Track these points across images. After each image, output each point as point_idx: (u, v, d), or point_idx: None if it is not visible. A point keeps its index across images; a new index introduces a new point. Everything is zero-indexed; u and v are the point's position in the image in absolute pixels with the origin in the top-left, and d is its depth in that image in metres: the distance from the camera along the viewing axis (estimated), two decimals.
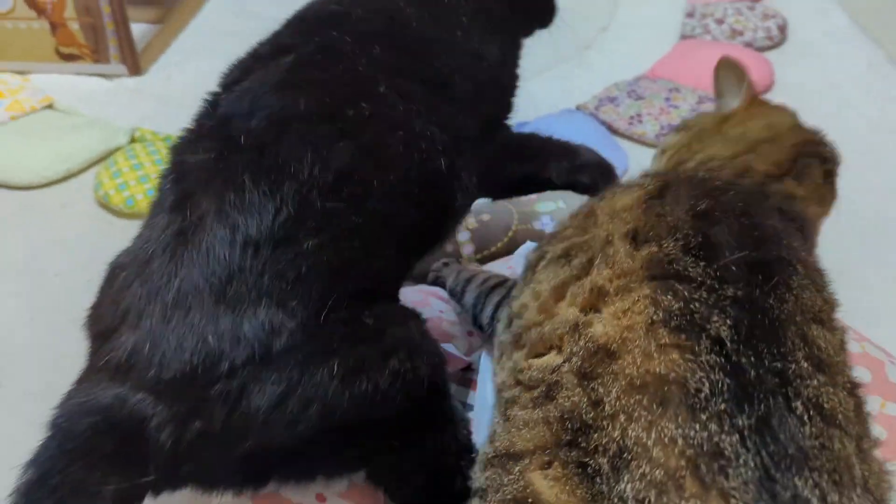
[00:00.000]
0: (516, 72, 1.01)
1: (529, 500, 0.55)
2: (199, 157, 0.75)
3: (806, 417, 0.52)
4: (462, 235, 1.24)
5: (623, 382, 0.54)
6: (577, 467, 0.54)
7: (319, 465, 0.78)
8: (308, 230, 0.71)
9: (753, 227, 0.63)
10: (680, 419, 0.51)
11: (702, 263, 0.58)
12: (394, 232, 0.79)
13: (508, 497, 0.57)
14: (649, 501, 0.49)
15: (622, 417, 0.53)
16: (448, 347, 0.98)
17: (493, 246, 1.23)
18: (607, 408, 0.54)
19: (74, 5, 1.61)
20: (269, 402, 0.69)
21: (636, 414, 0.52)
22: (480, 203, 1.34)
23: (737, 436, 0.50)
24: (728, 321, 0.55)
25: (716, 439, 0.50)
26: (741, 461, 0.49)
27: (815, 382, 0.54)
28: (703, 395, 0.52)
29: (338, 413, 0.71)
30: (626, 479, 0.50)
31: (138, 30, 1.77)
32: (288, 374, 0.69)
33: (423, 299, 1.08)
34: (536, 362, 0.62)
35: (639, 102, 1.59)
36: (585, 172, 1.01)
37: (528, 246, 1.07)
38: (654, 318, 0.56)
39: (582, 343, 0.59)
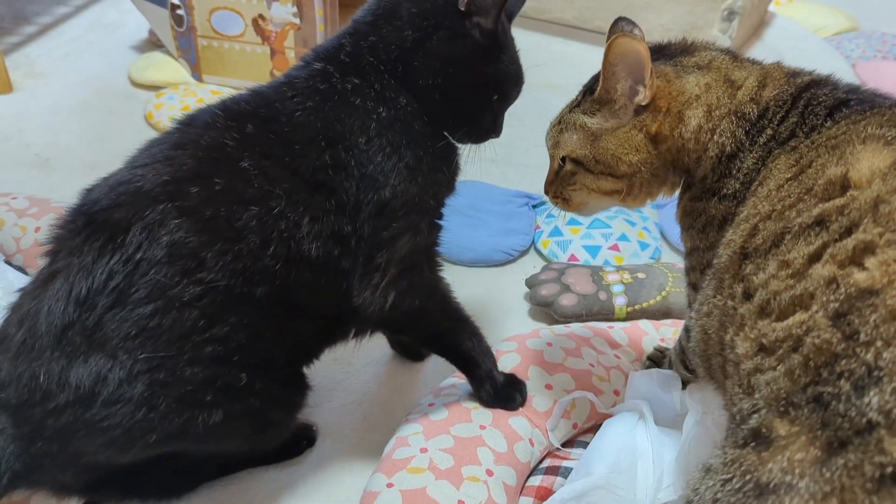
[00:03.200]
0: (433, 194, 0.94)
1: (763, 431, 0.60)
2: (67, 222, 0.84)
3: None
4: (616, 287, 1.32)
5: (883, 311, 0.57)
6: (810, 401, 0.58)
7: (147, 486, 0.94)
8: (140, 297, 0.78)
9: None
10: None
11: None
12: (248, 304, 0.83)
13: (749, 429, 0.62)
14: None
15: (878, 343, 0.56)
16: (591, 398, 1.06)
17: (646, 302, 1.31)
18: (862, 336, 0.57)
19: (295, 37, 1.83)
20: (92, 445, 0.81)
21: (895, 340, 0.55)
22: (637, 262, 1.42)
23: None
24: None
25: None
26: None
27: None
28: None
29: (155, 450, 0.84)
30: (871, 393, 0.55)
31: None
32: (109, 422, 0.78)
33: (576, 347, 1.15)
34: (782, 324, 0.64)
35: None
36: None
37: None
38: None
39: (841, 290, 0.60)
